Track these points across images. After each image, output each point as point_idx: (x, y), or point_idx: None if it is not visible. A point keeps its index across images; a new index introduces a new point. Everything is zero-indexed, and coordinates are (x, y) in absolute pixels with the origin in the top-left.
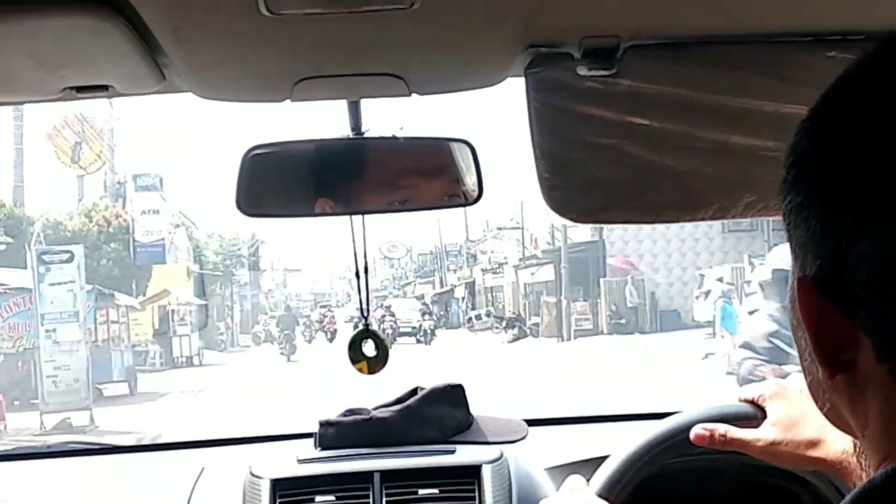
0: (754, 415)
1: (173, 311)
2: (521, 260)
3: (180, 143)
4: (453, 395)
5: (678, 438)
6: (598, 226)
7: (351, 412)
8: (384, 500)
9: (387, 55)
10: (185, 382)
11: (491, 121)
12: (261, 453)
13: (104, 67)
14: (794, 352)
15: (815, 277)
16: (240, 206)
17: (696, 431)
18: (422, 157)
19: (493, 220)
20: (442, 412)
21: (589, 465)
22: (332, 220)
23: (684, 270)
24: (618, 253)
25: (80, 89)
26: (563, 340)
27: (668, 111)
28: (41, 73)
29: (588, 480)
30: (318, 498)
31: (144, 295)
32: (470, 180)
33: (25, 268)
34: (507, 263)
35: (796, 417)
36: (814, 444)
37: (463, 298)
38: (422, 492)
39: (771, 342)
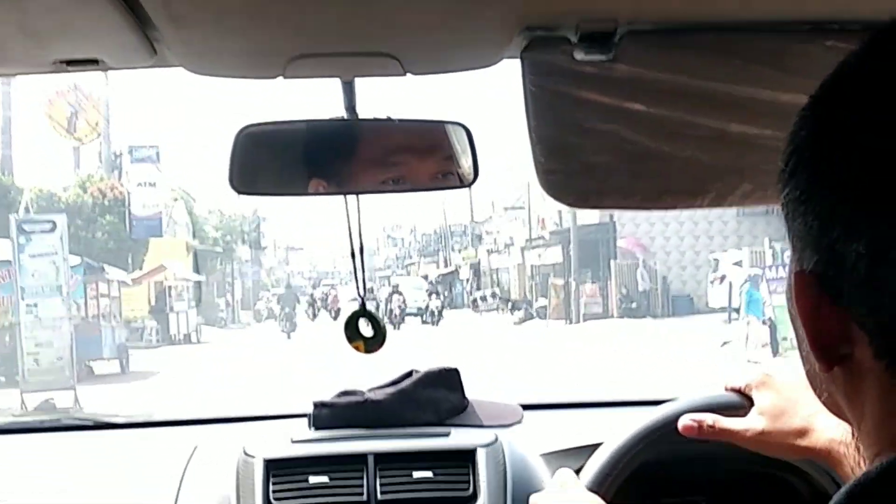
0: (741, 404)
1: (170, 286)
2: (527, 241)
3: (179, 116)
4: (448, 378)
5: (667, 429)
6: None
7: (345, 393)
8: (378, 481)
9: (381, 34)
10: (181, 360)
11: (496, 100)
12: (254, 433)
13: (94, 41)
14: None
15: (812, 272)
16: (232, 184)
17: (683, 422)
18: (416, 136)
19: (498, 200)
20: (437, 395)
21: (583, 453)
22: (334, 199)
23: (697, 254)
24: (629, 235)
25: (70, 63)
26: (571, 323)
27: (665, 97)
28: (31, 45)
29: (580, 469)
30: (312, 478)
31: (141, 269)
32: (465, 163)
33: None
34: (512, 244)
35: (783, 406)
36: (802, 433)
37: (467, 279)
38: (416, 474)
39: None
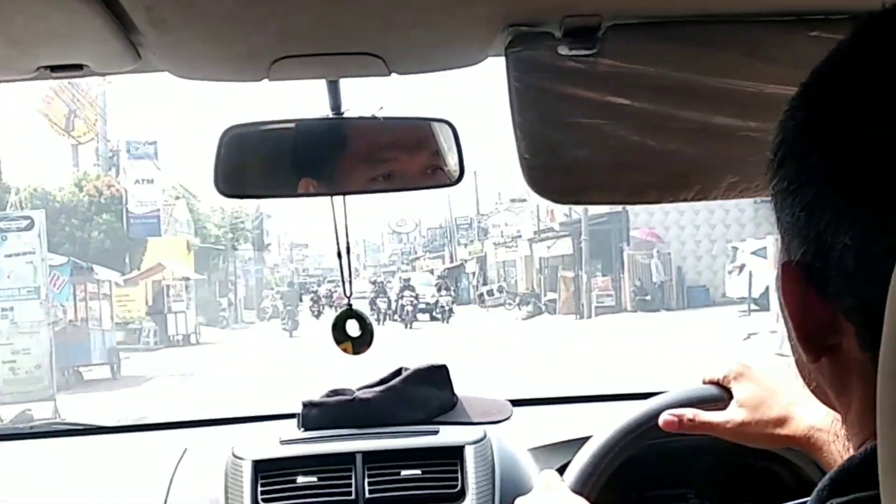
0: (721, 396)
1: (168, 286)
2: (535, 233)
3: (178, 112)
4: (437, 376)
5: (649, 425)
6: None
7: (334, 393)
8: (366, 480)
9: (365, 34)
10: (178, 363)
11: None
12: (244, 434)
13: (79, 47)
14: None
15: (799, 263)
16: (218, 186)
17: (664, 418)
18: (403, 133)
19: (505, 192)
20: (426, 393)
21: (571, 447)
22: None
23: (713, 243)
24: (642, 225)
25: (54, 68)
26: (582, 318)
27: (649, 91)
28: (15, 52)
29: (567, 464)
30: (300, 479)
31: (140, 269)
32: (452, 160)
33: None
34: (520, 237)
35: (762, 397)
36: (781, 422)
37: (474, 273)
38: (404, 472)
39: None
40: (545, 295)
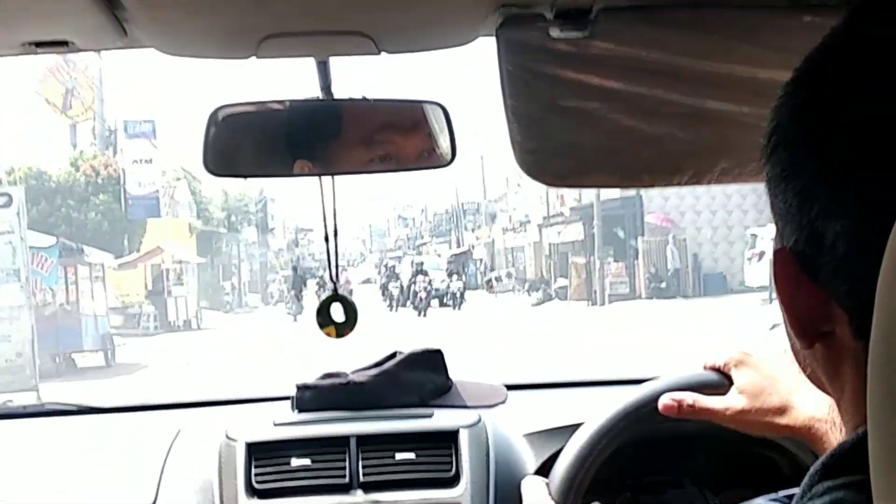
0: (721, 383)
1: (168, 269)
2: (545, 218)
3: (177, 91)
4: (432, 360)
5: (647, 409)
6: None
7: (329, 376)
8: (360, 463)
9: (355, 13)
10: (177, 349)
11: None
12: (238, 416)
13: (63, 22)
14: None
15: (792, 250)
16: (207, 165)
17: (663, 402)
18: (398, 115)
19: (513, 176)
20: (420, 376)
21: (565, 433)
22: (341, 179)
23: (730, 229)
24: (657, 210)
25: (39, 44)
26: (594, 304)
27: (642, 75)
28: None
29: (562, 449)
30: (294, 461)
31: (139, 252)
32: (444, 142)
33: None
34: (529, 222)
35: (763, 384)
36: (781, 410)
37: (481, 259)
38: (398, 456)
39: None
40: (555, 281)
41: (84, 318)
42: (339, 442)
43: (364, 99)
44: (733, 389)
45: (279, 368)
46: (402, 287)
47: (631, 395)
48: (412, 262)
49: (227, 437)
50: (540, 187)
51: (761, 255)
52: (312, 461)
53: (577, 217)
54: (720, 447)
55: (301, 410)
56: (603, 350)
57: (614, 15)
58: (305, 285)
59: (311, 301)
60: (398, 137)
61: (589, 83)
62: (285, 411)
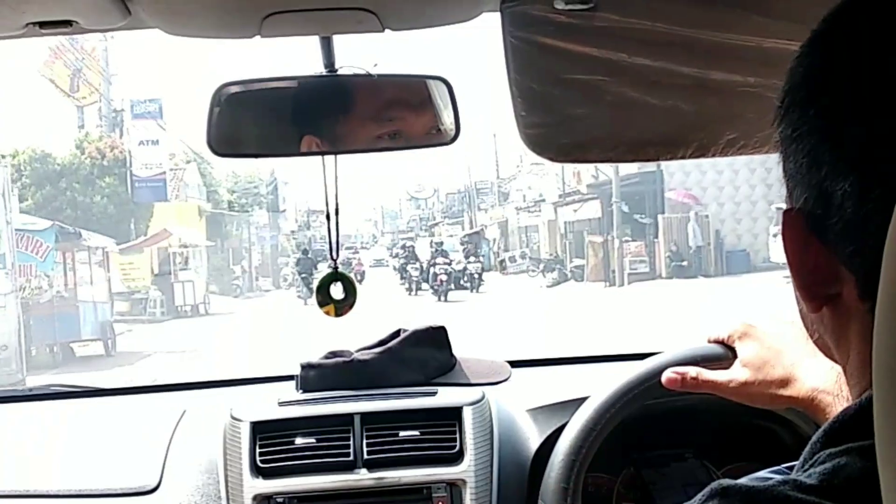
0: (725, 355)
1: (175, 253)
2: (560, 196)
3: (186, 70)
4: (436, 337)
5: (651, 383)
6: None
7: (333, 354)
8: (364, 442)
9: None
10: (182, 336)
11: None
12: (242, 396)
13: (67, 2)
14: None
15: (800, 210)
16: (211, 145)
17: (667, 375)
18: (404, 90)
19: (527, 154)
20: (424, 354)
21: (568, 408)
22: (351, 161)
23: (754, 205)
24: (678, 185)
25: (43, 25)
26: (611, 285)
27: (647, 46)
28: (3, 8)
29: (565, 424)
30: (299, 440)
31: (146, 235)
32: (448, 118)
33: None
34: (544, 200)
35: (766, 357)
36: (784, 382)
37: (494, 240)
38: (402, 433)
39: None
40: (571, 261)
41: (83, 306)
42: (344, 420)
43: (368, 74)
44: (737, 362)
45: (288, 354)
46: (420, 268)
47: (635, 369)
48: (431, 243)
49: (232, 417)
50: (555, 165)
51: None
52: (317, 440)
53: (594, 194)
54: (723, 420)
55: (305, 390)
56: (634, 333)
57: None
58: (316, 268)
59: None
60: (410, 115)
61: (594, 56)
62: (290, 391)
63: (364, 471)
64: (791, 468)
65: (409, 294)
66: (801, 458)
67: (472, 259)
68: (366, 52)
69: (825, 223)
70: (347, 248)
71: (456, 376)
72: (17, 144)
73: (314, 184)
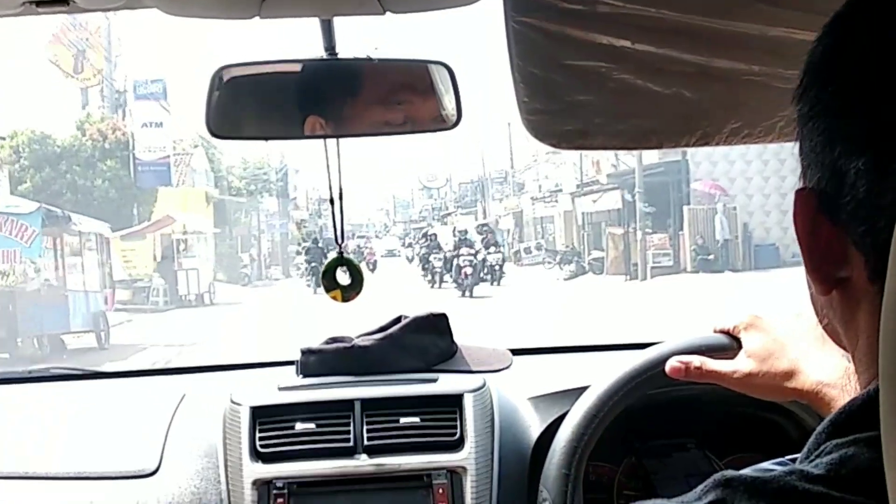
0: (730, 346)
1: (178, 240)
2: (578, 186)
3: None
4: (437, 324)
5: (654, 372)
6: None
7: (334, 340)
8: (365, 428)
9: None
10: (185, 326)
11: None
12: (242, 381)
13: None
14: None
15: (813, 190)
16: (210, 127)
17: (671, 364)
18: (408, 75)
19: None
20: (425, 341)
21: (570, 396)
22: (361, 149)
23: (784, 197)
24: (704, 176)
25: (39, 3)
26: (633, 278)
27: (650, 33)
28: None
29: (566, 413)
30: (298, 425)
31: (150, 221)
32: (449, 103)
33: None
34: (561, 191)
35: (771, 348)
36: (789, 374)
37: (509, 231)
38: (403, 420)
39: None
40: (588, 253)
41: (72, 295)
42: (344, 406)
43: (369, 58)
44: (742, 353)
45: (295, 345)
46: (444, 259)
47: (638, 357)
48: (454, 231)
49: (232, 402)
50: (573, 155)
51: None
52: (317, 425)
53: (614, 184)
54: (727, 411)
55: (306, 375)
56: (659, 329)
57: None
58: (326, 257)
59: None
60: (417, 99)
61: (597, 42)
62: (290, 376)
63: (364, 457)
64: (794, 460)
65: (432, 287)
66: (806, 450)
67: (491, 249)
68: (364, 41)
69: (837, 202)
70: (360, 237)
71: (457, 363)
72: (16, 125)
73: (324, 172)
